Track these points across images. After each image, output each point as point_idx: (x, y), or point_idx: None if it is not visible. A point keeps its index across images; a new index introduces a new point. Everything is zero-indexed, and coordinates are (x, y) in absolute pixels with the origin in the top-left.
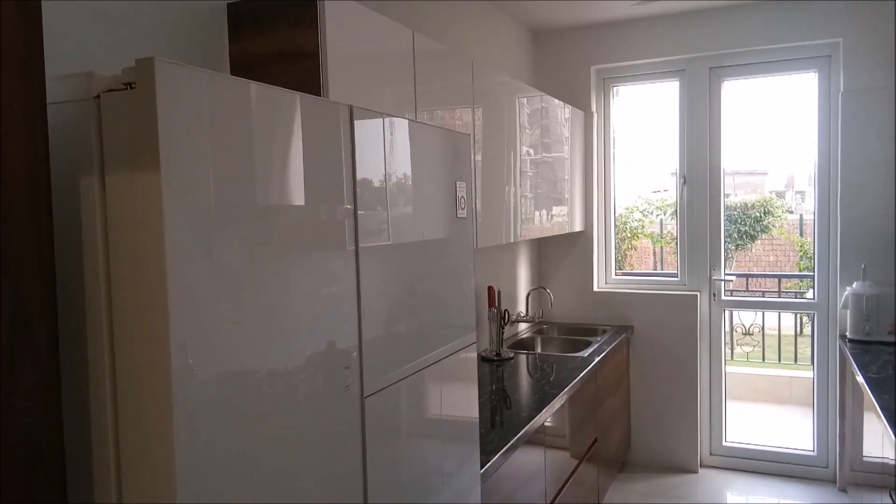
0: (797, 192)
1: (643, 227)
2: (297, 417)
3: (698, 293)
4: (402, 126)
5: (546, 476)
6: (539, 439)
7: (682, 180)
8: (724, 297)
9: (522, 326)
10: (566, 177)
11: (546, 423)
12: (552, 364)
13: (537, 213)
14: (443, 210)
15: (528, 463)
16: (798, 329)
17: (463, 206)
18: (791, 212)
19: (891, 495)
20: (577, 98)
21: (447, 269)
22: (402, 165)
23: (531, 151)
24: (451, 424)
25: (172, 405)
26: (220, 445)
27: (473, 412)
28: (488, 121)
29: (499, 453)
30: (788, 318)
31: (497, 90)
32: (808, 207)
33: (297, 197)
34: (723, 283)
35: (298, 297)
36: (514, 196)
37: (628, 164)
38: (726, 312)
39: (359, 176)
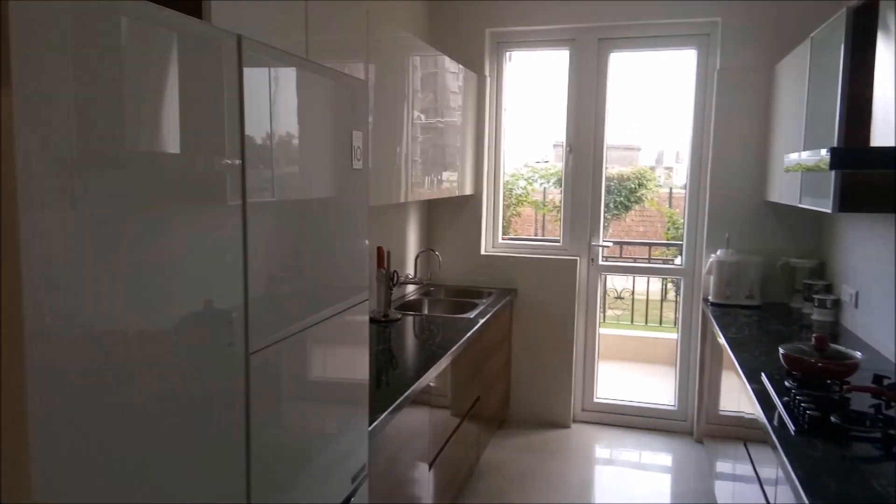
0: (665, 168)
1: (527, 194)
2: (174, 379)
3: (578, 258)
4: (295, 65)
5: (430, 434)
6: (424, 399)
7: (567, 148)
8: (601, 263)
9: (410, 288)
10: (458, 143)
11: (432, 383)
12: (439, 325)
13: (427, 179)
14: (337, 160)
15: (413, 422)
16: (663, 294)
17: (359, 156)
18: (660, 186)
19: (745, 445)
20: (472, 61)
21: (342, 223)
22: (295, 110)
23: (422, 116)
24: (339, 384)
25: (26, 371)
26: (86, 413)
27: (363, 372)
28: (381, 78)
29: (385, 412)
30: (655, 284)
31: (392, 46)
32: (676, 182)
33: (173, 143)
34: (601, 248)
35: (177, 253)
36: (406, 158)
37: (517, 132)
38: (602, 277)
39: (247, 121)
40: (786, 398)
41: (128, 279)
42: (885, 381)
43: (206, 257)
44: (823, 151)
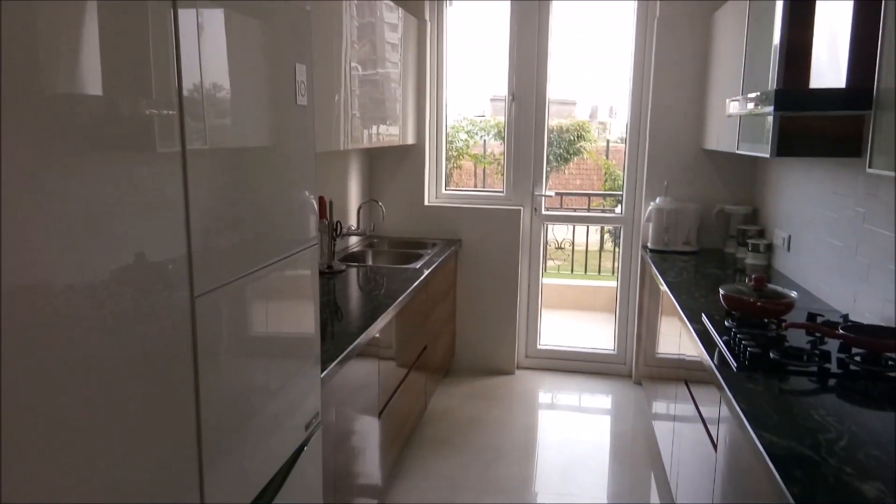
0: (600, 123)
1: (468, 147)
2: (111, 332)
3: (522, 208)
4: None
5: (379, 384)
6: (373, 350)
7: (510, 97)
8: (544, 213)
9: (353, 240)
10: (398, 88)
11: (379, 334)
12: (384, 276)
13: (367, 128)
14: (281, 96)
15: (361, 373)
16: (601, 244)
17: (303, 92)
18: (596, 140)
19: (686, 385)
20: (411, 5)
21: (287, 166)
22: (233, 44)
23: (359, 67)
24: (289, 332)
25: None
26: (16, 373)
27: (313, 320)
28: (318, 20)
29: (334, 363)
30: (593, 235)
31: None
32: (611, 135)
33: (94, 84)
34: (543, 198)
35: (106, 202)
36: (345, 104)
37: (458, 83)
38: (545, 226)
39: (183, 57)
40: (726, 337)
41: (51, 230)
42: (819, 318)
43: (142, 205)
44: (766, 93)
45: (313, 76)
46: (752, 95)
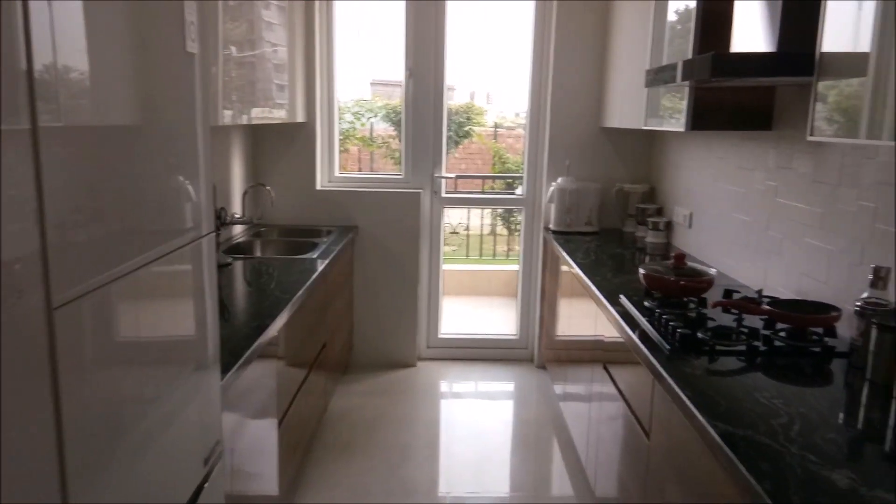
0: (488, 105)
1: (355, 130)
2: None
3: (421, 191)
4: None
5: (278, 390)
6: (271, 351)
7: (407, 73)
8: (444, 195)
9: (238, 229)
10: (286, 59)
11: (277, 334)
12: (277, 269)
13: (255, 99)
14: (164, 45)
15: (260, 379)
16: (494, 228)
17: (193, 36)
18: (484, 124)
19: (605, 367)
20: None
21: (168, 141)
22: None
23: (238, 37)
24: (179, 341)
25: None
26: None
27: (211, 325)
28: None
29: (230, 372)
30: (487, 219)
31: None
32: (501, 118)
33: None
34: (443, 180)
35: None
36: (223, 76)
37: (345, 63)
38: (444, 211)
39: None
40: (649, 318)
41: None
42: (735, 295)
43: None
44: (701, 58)
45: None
46: (678, 63)
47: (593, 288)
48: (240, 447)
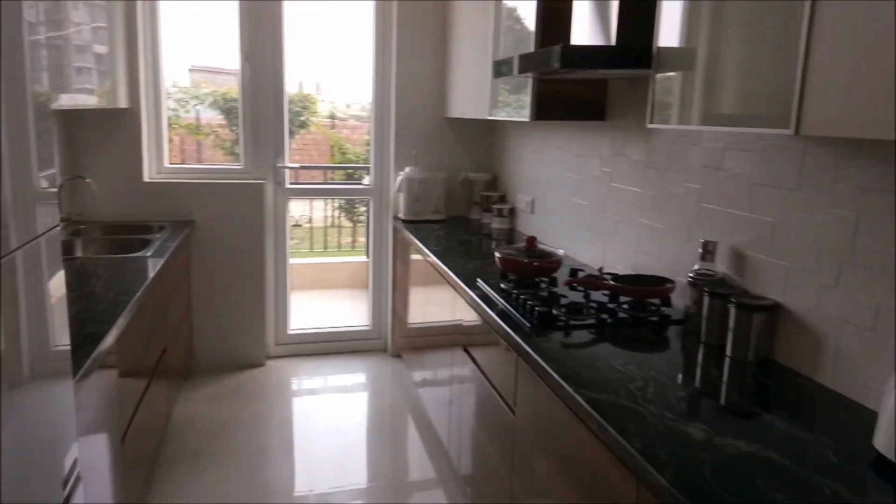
0: (318, 95)
1: (179, 118)
2: None
3: (264, 181)
4: None
5: (120, 402)
6: (109, 360)
7: (243, 56)
8: (288, 186)
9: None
10: (104, 37)
11: (115, 341)
12: (108, 269)
13: (66, 80)
14: None
15: (100, 392)
16: (335, 220)
17: None
18: (318, 113)
19: (466, 350)
20: None
21: None
22: None
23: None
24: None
25: None
26: None
27: (61, 331)
28: None
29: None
30: (328, 211)
31: None
32: (337, 108)
33: None
34: (287, 170)
35: None
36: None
37: (173, 44)
38: (290, 202)
39: None
40: (507, 298)
41: None
42: (580, 273)
43: None
44: (548, 50)
45: None
46: (527, 54)
47: (451, 273)
48: (82, 468)
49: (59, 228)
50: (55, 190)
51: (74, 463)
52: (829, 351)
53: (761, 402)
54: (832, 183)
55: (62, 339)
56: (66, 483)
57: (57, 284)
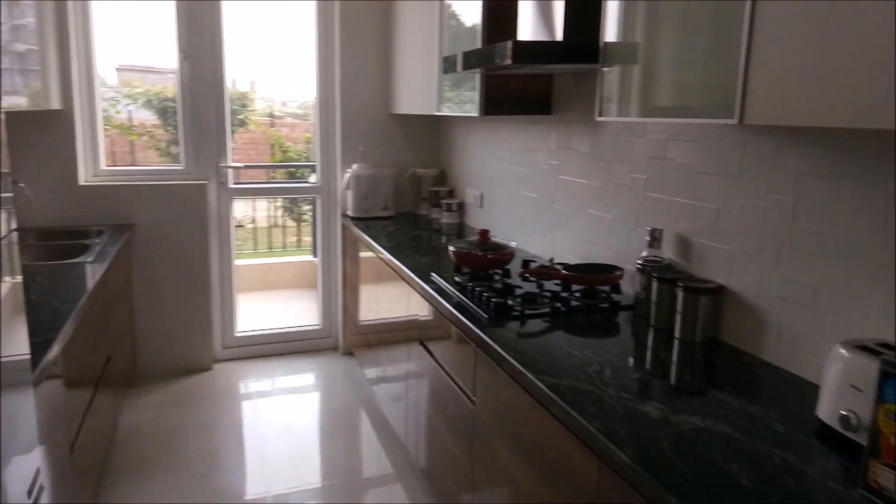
0: (253, 93)
1: (111, 118)
2: None
3: (207, 182)
4: None
5: (66, 412)
6: (53, 370)
7: (181, 55)
8: (231, 186)
9: None
10: (32, 35)
11: (59, 350)
12: (46, 276)
13: None
14: None
15: (46, 402)
16: (278, 220)
17: None
18: (256, 111)
19: (423, 344)
20: None
21: None
22: None
23: None
24: None
25: None
26: None
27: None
28: None
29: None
30: (272, 210)
31: None
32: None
33: None
34: (230, 170)
35: None
36: None
37: (105, 43)
38: (234, 202)
39: None
40: (462, 291)
41: None
42: (533, 264)
43: None
44: (499, 46)
45: None
46: (475, 50)
47: (405, 269)
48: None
49: (14, 235)
50: (9, 195)
51: (37, 472)
52: (772, 329)
53: (711, 380)
54: (771, 170)
55: (22, 347)
56: (30, 492)
57: (15, 291)
